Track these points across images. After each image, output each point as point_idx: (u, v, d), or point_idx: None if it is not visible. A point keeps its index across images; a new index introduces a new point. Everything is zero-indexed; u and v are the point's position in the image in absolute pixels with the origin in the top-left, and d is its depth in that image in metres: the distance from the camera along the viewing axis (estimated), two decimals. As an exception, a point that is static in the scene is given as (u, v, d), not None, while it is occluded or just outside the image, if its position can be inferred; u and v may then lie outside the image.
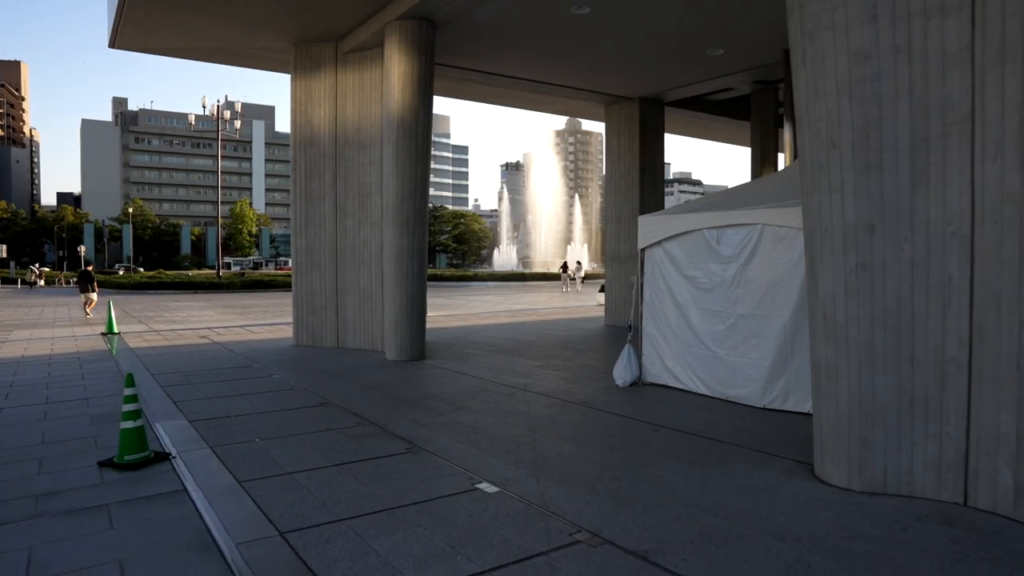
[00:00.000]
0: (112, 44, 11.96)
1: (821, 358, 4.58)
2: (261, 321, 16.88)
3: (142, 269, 71.80)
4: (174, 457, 5.12)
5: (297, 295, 11.86)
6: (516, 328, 14.73)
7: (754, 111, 14.46)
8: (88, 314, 18.17)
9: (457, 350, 11.19)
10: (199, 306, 23.01)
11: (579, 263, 42.36)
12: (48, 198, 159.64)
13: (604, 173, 14.79)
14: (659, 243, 7.86)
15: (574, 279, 39.23)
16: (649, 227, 8.01)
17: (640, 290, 8.15)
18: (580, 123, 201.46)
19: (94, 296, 18.79)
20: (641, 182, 14.51)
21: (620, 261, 14.95)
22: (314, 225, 11.69)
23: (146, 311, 20.50)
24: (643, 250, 8.13)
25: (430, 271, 65.69)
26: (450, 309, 21.24)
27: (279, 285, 38.61)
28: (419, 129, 10.11)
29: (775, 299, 6.59)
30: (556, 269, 65.50)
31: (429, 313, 19.09)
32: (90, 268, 20.24)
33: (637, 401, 7.20)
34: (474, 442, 5.59)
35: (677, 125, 16.99)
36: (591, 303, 23.23)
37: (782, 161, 14.34)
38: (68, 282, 43.81)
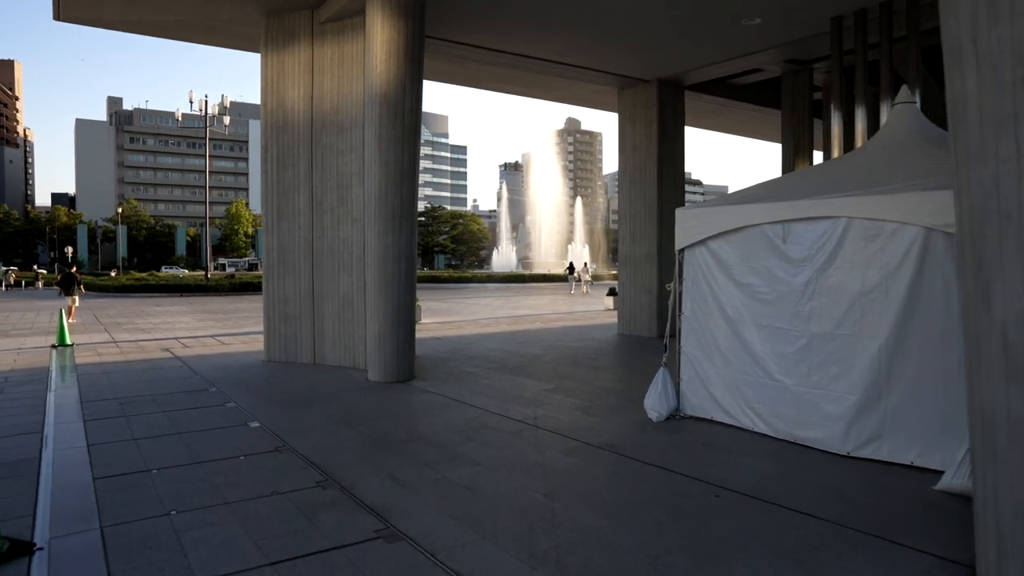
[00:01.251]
0: (57, 16, 10.41)
1: (1001, 408, 3.03)
2: (238, 330, 15.31)
3: (134, 271, 70.31)
4: (38, 549, 3.57)
5: (268, 302, 10.32)
6: (519, 338, 13.18)
7: (785, 96, 12.91)
8: (71, 320, 16.58)
9: (452, 367, 9.63)
10: (179, 311, 21.43)
11: (586, 264, 40.83)
12: (43, 199, 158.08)
13: (617, 166, 13.24)
14: (703, 242, 6.31)
15: (581, 280, 37.72)
16: (690, 222, 6.47)
17: (678, 300, 6.60)
18: (580, 123, 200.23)
19: (79, 299, 17.54)
20: (659, 174, 12.96)
21: (634, 264, 13.41)
22: (287, 221, 10.15)
23: (119, 317, 18.93)
24: (681, 251, 6.59)
25: (426, 273, 64.05)
26: (446, 315, 19.69)
27: (269, 287, 37.00)
28: (406, 105, 8.56)
29: (864, 314, 5.05)
30: (556, 270, 64.26)
31: (423, 320, 17.61)
32: (74, 270, 18.66)
33: (679, 444, 5.65)
34: (471, 518, 4.04)
35: (694, 115, 15.38)
36: (599, 308, 21.69)
37: (817, 158, 12.79)
38: (50, 284, 42.15)
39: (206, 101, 38.00)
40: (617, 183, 13.74)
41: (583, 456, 5.33)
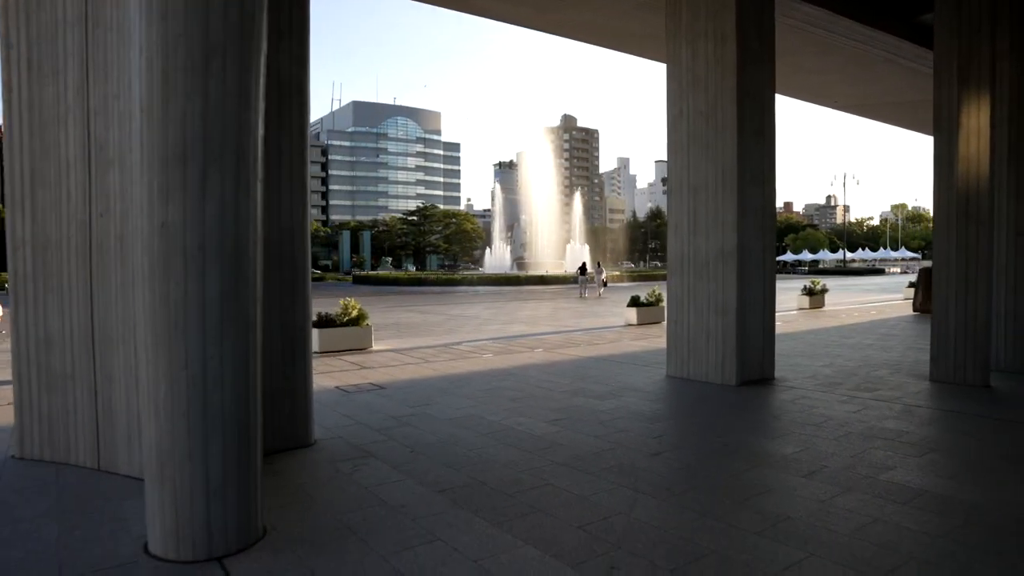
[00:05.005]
0: None
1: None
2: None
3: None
4: None
5: (18, 348, 5.28)
6: (511, 387, 8.19)
7: (943, 14, 7.96)
8: None
9: (365, 491, 4.56)
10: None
11: (599, 264, 35.89)
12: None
13: (665, 115, 8.26)
14: None
15: (595, 282, 32.84)
16: None
17: None
18: (576, 119, 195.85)
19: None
20: (739, 122, 7.96)
21: (695, 268, 8.40)
22: (49, 189, 5.12)
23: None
24: None
25: (412, 274, 58.80)
26: (413, 334, 14.68)
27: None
28: None
29: None
30: (554, 270, 59.29)
31: (374, 345, 12.60)
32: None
33: None
34: None
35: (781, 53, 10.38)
36: (616, 322, 16.69)
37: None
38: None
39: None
40: (668, 142, 8.70)
41: None
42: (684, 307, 8.52)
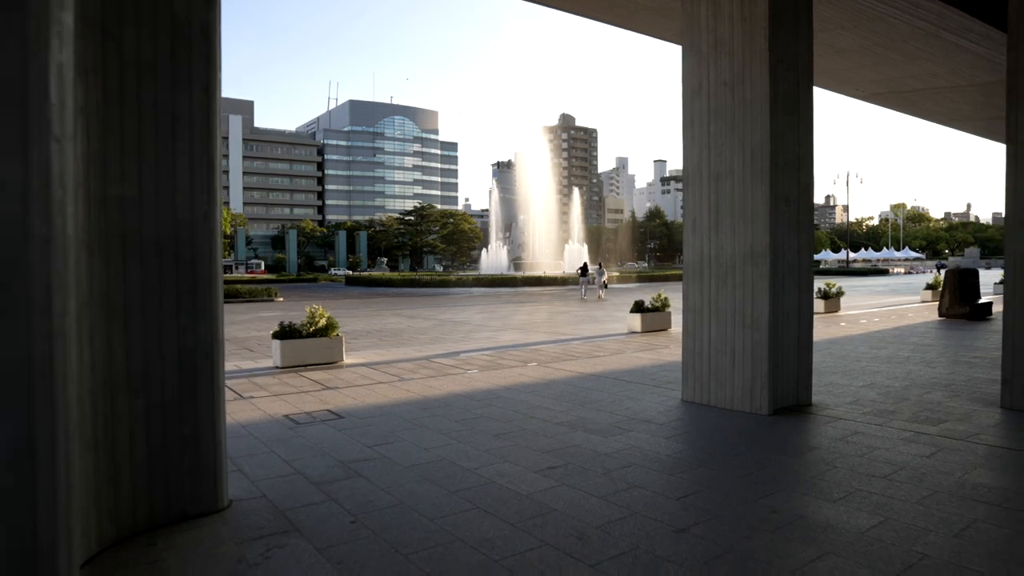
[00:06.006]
0: None
1: None
2: None
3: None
4: None
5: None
6: (496, 413, 6.78)
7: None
8: None
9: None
10: None
11: (600, 265, 34.53)
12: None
13: (681, 88, 6.82)
14: None
15: (595, 284, 31.51)
16: None
17: None
18: (574, 119, 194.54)
19: None
20: (772, 94, 6.55)
21: (718, 272, 6.99)
22: None
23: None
24: None
25: (405, 275, 57.36)
26: (394, 343, 13.26)
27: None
28: None
29: None
30: (551, 271, 57.94)
31: (344, 359, 11.12)
32: None
33: None
34: None
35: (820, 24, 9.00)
36: (618, 328, 15.29)
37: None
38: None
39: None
40: (683, 122, 7.30)
41: None
42: (704, 319, 7.10)
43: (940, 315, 16.95)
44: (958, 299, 16.49)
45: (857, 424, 6.22)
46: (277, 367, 9.98)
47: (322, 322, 10.27)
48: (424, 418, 6.69)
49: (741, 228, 6.70)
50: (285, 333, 10.07)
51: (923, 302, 23.40)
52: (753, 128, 6.58)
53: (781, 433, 5.97)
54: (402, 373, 9.47)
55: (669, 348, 11.72)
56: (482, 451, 5.49)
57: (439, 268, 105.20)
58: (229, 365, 10.67)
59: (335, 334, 10.45)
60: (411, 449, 5.58)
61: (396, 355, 11.61)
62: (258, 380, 8.96)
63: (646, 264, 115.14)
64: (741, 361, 6.73)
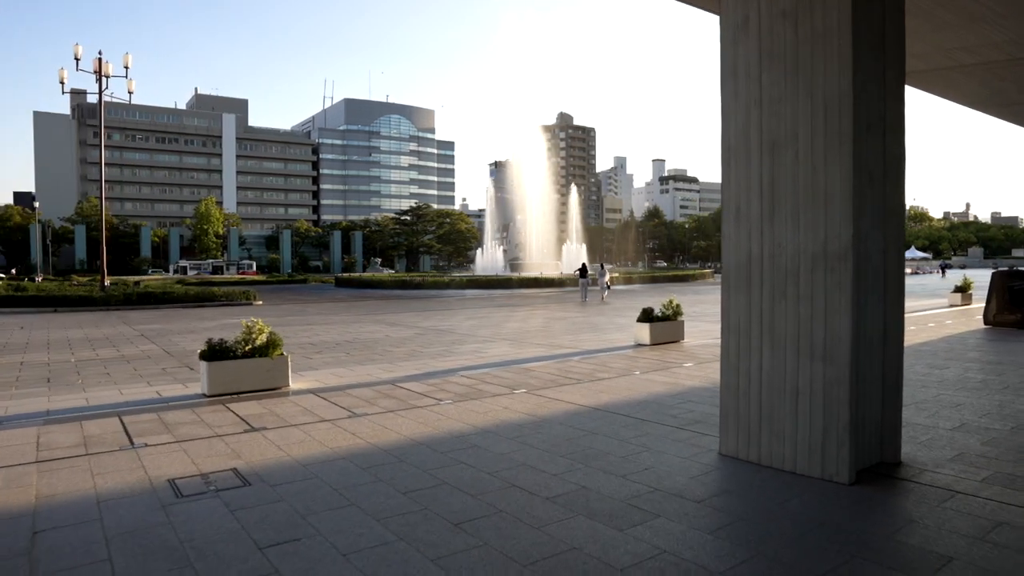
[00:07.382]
0: None
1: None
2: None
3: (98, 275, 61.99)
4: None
5: None
6: (465, 477, 4.82)
7: None
8: None
9: None
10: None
11: (602, 265, 32.53)
12: (5, 196, 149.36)
13: (719, 28, 4.79)
14: None
15: (596, 285, 29.55)
16: None
17: None
18: (572, 118, 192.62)
19: None
20: (854, 24, 4.61)
21: (779, 275, 5.02)
22: None
23: None
24: None
25: (397, 276, 55.25)
26: (363, 357, 11.23)
27: (177, 300, 28.55)
28: None
29: None
30: (549, 272, 55.90)
31: (301, 381, 8.49)
32: None
33: None
34: None
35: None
36: (622, 339, 13.31)
37: None
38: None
39: (100, 59, 29.54)
40: (721, 75, 5.33)
41: None
42: (752, 344, 5.13)
43: (986, 323, 15.01)
44: (1007, 305, 14.55)
45: (984, 502, 4.27)
46: (205, 394, 8.02)
47: (261, 339, 8.30)
48: (362, 486, 4.73)
49: (808, 218, 4.74)
50: (214, 353, 8.08)
51: (952, 306, 21.47)
52: (827, 74, 4.61)
53: (881, 523, 4.01)
54: (356, 405, 7.50)
55: (685, 367, 9.76)
56: (430, 561, 3.53)
57: (431, 269, 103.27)
58: (147, 391, 8.69)
59: (278, 353, 8.47)
60: (326, 551, 3.62)
61: (358, 376, 9.63)
62: (170, 416, 6.99)
63: (642, 265, 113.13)
64: (808, 405, 4.77)
